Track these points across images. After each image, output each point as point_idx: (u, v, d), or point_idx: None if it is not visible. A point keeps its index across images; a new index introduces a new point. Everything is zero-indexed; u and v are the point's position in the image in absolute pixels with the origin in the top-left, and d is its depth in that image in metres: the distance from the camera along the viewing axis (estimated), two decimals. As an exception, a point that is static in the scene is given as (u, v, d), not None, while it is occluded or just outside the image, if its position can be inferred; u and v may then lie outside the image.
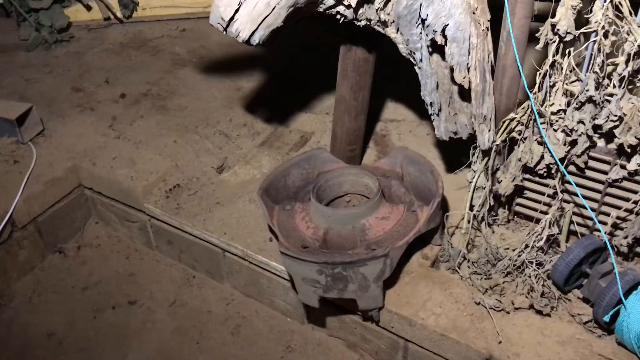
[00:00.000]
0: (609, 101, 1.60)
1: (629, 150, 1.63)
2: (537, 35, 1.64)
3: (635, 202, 1.72)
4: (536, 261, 1.81)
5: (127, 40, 3.45)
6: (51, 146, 2.57)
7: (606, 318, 1.62)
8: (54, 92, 2.97)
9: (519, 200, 2.00)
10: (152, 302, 2.29)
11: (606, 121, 1.61)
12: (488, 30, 1.71)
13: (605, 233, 1.73)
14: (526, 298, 1.79)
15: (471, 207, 1.92)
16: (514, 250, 1.86)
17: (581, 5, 1.52)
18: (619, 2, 1.49)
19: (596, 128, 1.67)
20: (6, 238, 2.28)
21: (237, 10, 1.64)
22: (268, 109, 2.77)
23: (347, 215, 1.87)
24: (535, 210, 1.96)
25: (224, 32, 1.68)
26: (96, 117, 2.78)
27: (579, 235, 1.87)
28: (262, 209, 1.95)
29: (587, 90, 1.58)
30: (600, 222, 1.80)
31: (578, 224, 1.89)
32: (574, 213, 1.88)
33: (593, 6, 1.53)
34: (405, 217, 1.88)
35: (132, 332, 2.19)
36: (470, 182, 1.91)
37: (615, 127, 1.61)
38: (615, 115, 1.58)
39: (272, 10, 1.66)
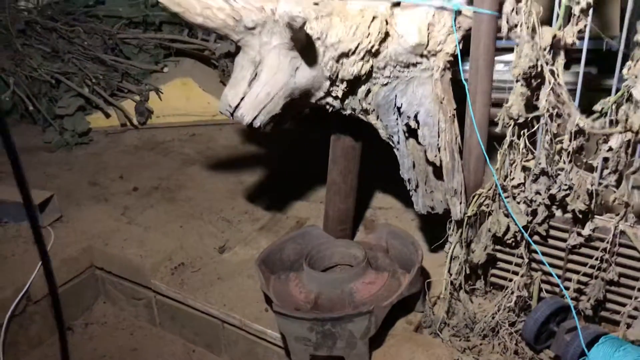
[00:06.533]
0: (559, 174, 1.86)
1: (580, 216, 1.86)
2: (495, 120, 1.93)
3: (593, 267, 1.93)
4: (508, 321, 1.98)
5: (141, 143, 3.80)
6: (68, 229, 2.81)
7: (572, 369, 1.76)
8: (72, 186, 3.26)
9: (493, 271, 2.19)
10: (153, 374, 2.41)
11: (559, 191, 1.86)
12: (454, 117, 2.01)
13: (570, 297, 1.91)
14: (501, 356, 1.93)
15: (449, 275, 2.11)
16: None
17: (529, 93, 1.83)
18: (560, 92, 1.79)
19: (552, 198, 1.91)
20: (21, 311, 2.45)
21: (242, 99, 1.95)
22: (268, 199, 3.03)
23: (336, 279, 2.07)
24: (508, 280, 2.14)
25: (231, 117, 1.98)
26: (110, 207, 3.04)
27: (549, 300, 2.04)
28: (259, 278, 2.14)
29: (540, 164, 1.84)
30: (565, 287, 1.99)
31: (547, 291, 2.08)
32: (542, 280, 2.07)
33: (540, 94, 1.84)
34: (390, 283, 2.07)
35: (133, 401, 2.30)
36: (447, 252, 2.12)
37: (567, 195, 1.85)
38: (566, 185, 1.83)
39: (272, 99, 1.97)
